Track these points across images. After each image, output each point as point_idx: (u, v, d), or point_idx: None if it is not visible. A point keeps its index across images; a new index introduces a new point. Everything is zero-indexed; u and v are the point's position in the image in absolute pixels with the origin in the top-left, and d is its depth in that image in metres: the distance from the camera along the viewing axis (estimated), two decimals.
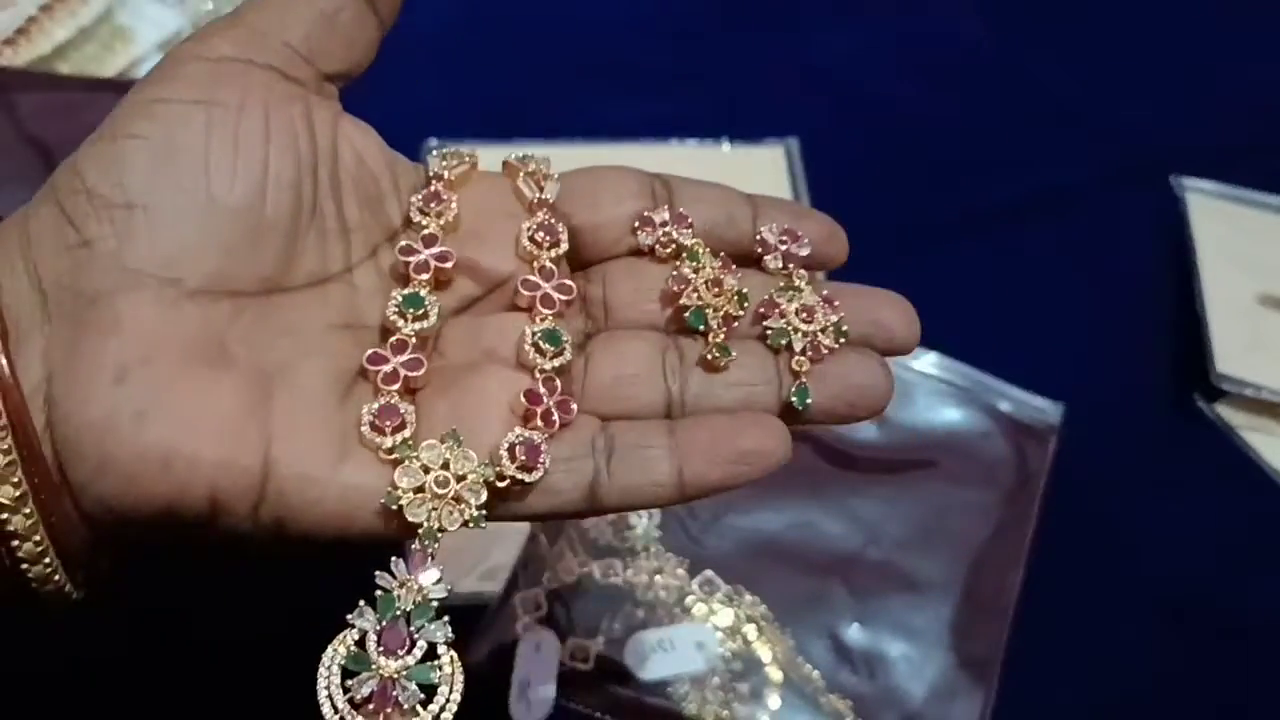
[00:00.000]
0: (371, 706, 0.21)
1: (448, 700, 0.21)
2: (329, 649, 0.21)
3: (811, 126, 0.58)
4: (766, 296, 0.27)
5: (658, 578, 0.41)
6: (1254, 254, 0.55)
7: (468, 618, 0.41)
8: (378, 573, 0.22)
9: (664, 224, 0.27)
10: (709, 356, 0.26)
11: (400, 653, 0.21)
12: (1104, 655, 0.43)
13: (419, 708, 0.21)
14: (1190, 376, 0.51)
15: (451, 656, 0.22)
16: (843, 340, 0.27)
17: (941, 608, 0.42)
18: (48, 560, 0.22)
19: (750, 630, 0.41)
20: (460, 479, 0.23)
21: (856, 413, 0.27)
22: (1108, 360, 0.52)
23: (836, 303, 0.27)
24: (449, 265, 0.25)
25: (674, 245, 0.27)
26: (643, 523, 0.43)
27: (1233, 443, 0.49)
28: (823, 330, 0.26)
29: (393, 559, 0.22)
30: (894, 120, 0.61)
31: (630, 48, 0.63)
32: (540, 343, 0.25)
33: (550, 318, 0.26)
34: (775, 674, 0.40)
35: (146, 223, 0.22)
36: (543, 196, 0.27)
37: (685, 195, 0.28)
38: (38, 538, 0.22)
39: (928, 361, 0.48)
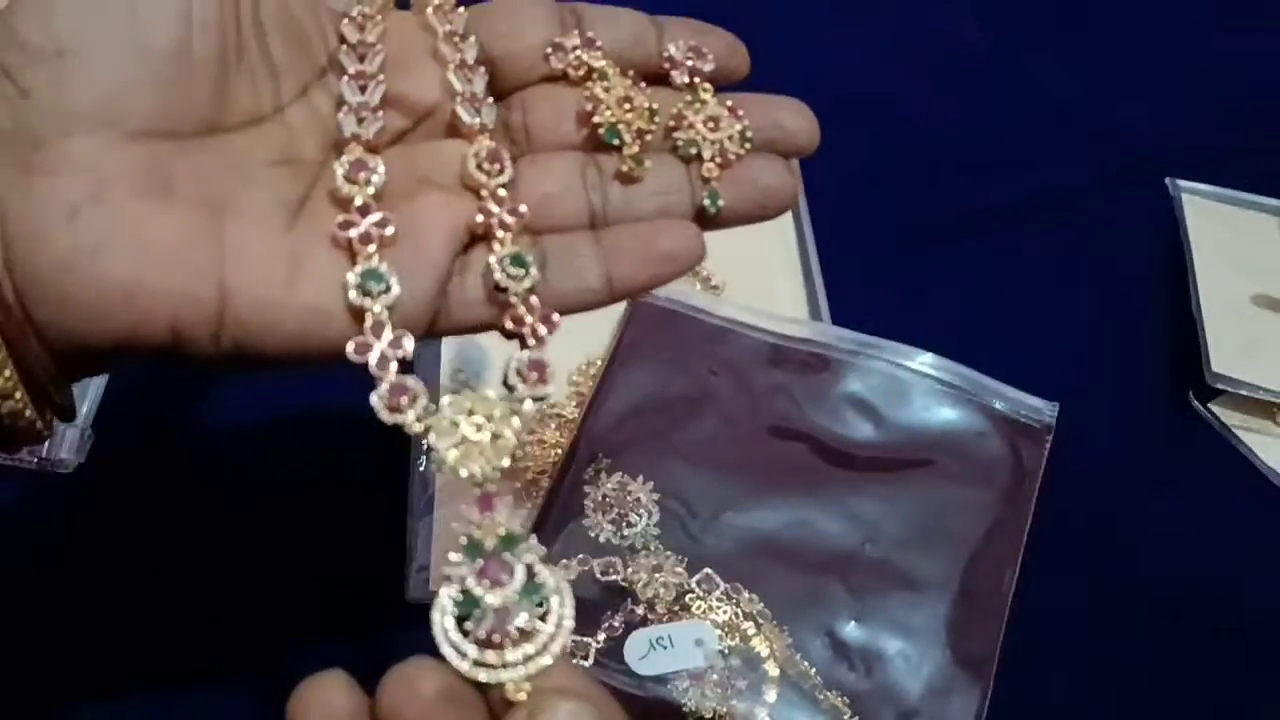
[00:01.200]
0: (495, 638, 0.22)
1: (563, 609, 0.23)
2: (434, 610, 0.22)
3: None
4: (675, 110, 0.29)
5: (657, 575, 0.42)
6: (1249, 255, 0.56)
7: None
8: (453, 524, 0.23)
9: (575, 48, 0.29)
10: (624, 169, 0.28)
11: (505, 581, 0.22)
12: (1099, 653, 0.43)
13: (539, 623, 0.22)
14: (1186, 376, 0.51)
15: (551, 570, 0.23)
16: (748, 146, 0.29)
17: (938, 605, 0.42)
18: (18, 395, 0.23)
19: (749, 627, 0.41)
20: (489, 418, 0.24)
21: (766, 212, 0.29)
22: (1103, 360, 0.52)
23: (741, 112, 0.29)
24: (390, 232, 0.26)
25: (586, 68, 0.29)
26: (642, 521, 0.43)
27: (1228, 442, 0.50)
28: (729, 138, 0.28)
29: (462, 506, 0.23)
30: (892, 121, 0.61)
31: None
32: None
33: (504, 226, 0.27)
34: (773, 670, 0.40)
35: (80, 68, 0.23)
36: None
37: (593, 20, 0.30)
38: (7, 373, 0.22)
39: (924, 361, 0.48)
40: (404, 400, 0.24)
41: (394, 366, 0.24)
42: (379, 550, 0.43)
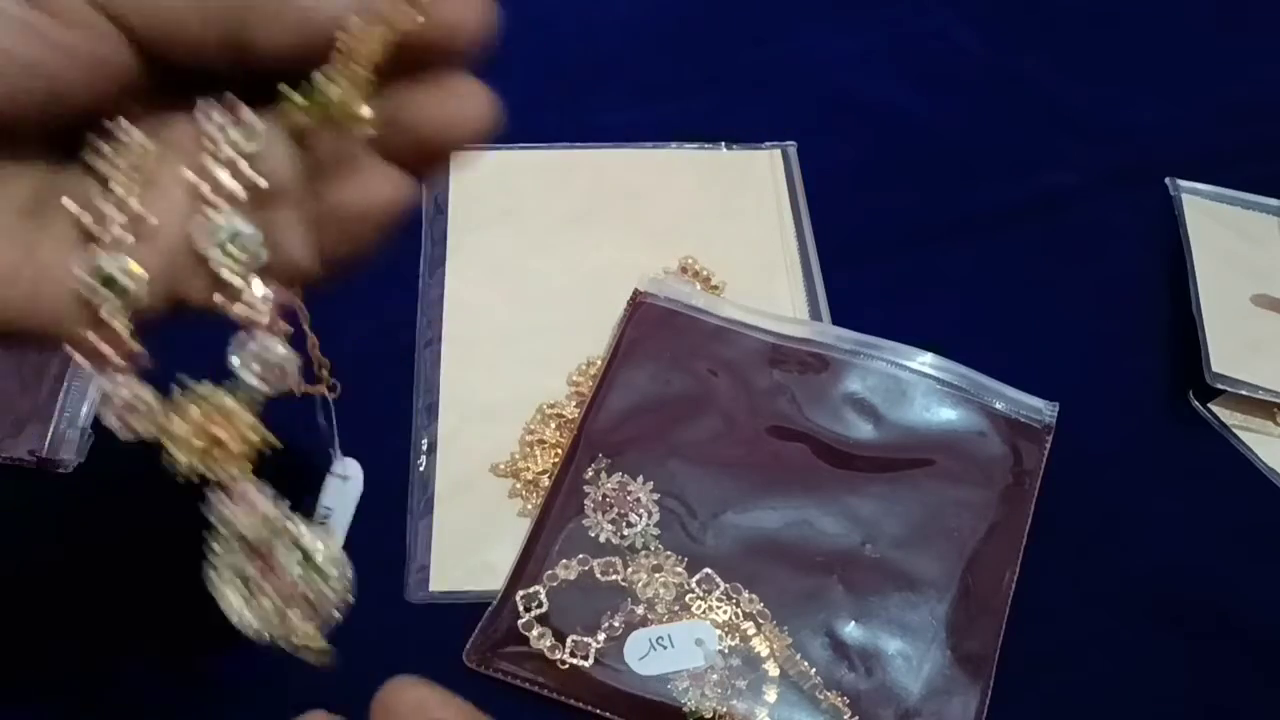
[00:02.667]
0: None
1: (341, 574, 0.24)
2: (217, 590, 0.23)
3: (809, 130, 0.59)
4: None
5: (657, 575, 0.42)
6: (1248, 256, 0.56)
7: (469, 615, 0.42)
8: (210, 515, 0.24)
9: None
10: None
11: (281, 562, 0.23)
12: (1098, 652, 0.43)
13: (325, 590, 0.23)
14: (1186, 376, 0.51)
15: (323, 539, 0.24)
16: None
17: (938, 605, 0.42)
18: None
19: (749, 627, 0.41)
20: (226, 418, 0.24)
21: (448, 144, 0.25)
22: (1103, 360, 0.52)
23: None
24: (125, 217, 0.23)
25: None
26: (642, 521, 0.43)
27: (1228, 442, 0.50)
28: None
29: (213, 498, 0.24)
30: (891, 123, 0.61)
31: (630, 52, 0.63)
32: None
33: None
34: (773, 670, 0.40)
35: None
36: None
37: None
38: None
39: (924, 361, 0.48)
40: (133, 414, 0.23)
41: (126, 371, 0.23)
42: (379, 550, 0.43)
